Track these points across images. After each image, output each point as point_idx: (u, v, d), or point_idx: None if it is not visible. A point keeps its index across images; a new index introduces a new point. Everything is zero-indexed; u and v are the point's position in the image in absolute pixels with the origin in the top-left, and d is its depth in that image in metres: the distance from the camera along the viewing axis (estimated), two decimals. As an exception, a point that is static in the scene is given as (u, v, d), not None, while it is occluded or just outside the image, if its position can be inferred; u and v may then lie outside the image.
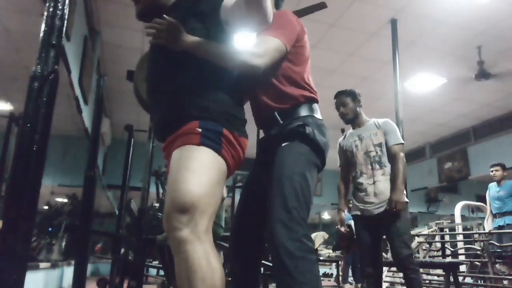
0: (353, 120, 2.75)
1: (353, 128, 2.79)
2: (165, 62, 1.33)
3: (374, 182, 2.57)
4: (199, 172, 1.17)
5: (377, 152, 2.61)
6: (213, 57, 1.28)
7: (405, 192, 2.55)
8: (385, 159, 2.60)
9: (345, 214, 2.86)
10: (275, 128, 1.45)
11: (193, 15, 1.32)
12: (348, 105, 2.72)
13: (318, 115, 1.49)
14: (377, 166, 2.59)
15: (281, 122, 1.44)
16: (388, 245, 2.67)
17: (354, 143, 2.71)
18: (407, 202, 2.52)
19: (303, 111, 1.45)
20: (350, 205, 2.92)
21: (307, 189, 1.33)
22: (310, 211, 1.33)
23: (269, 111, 1.46)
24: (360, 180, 2.63)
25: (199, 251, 1.09)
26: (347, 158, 2.77)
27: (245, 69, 1.32)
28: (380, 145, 2.61)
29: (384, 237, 2.66)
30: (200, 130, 1.22)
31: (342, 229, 2.81)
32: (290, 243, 1.20)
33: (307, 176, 1.35)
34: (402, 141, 2.64)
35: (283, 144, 1.39)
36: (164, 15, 1.24)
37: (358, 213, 2.64)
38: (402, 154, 2.57)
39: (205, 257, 1.09)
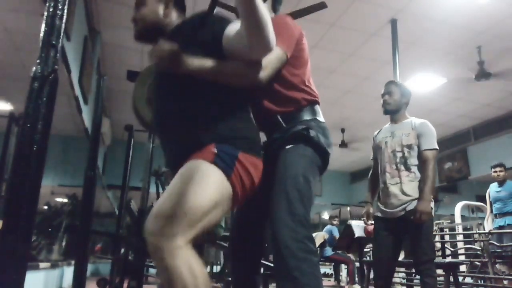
0: (393, 113, 2.63)
1: (390, 123, 2.68)
2: (172, 94, 1.31)
3: (397, 183, 2.46)
4: (200, 185, 1.15)
5: (404, 154, 2.48)
6: (215, 74, 1.25)
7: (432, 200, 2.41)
8: (413, 161, 2.46)
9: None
10: (278, 132, 1.45)
11: (193, 43, 1.29)
12: (393, 96, 2.60)
13: (320, 117, 1.50)
14: (403, 167, 2.47)
15: (284, 125, 1.44)
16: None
17: (385, 139, 2.60)
18: (432, 210, 2.39)
19: (306, 115, 1.46)
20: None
21: (310, 191, 1.34)
22: (311, 211, 1.34)
23: (272, 115, 1.46)
24: (383, 178, 2.54)
25: (178, 260, 1.05)
26: (377, 153, 2.67)
27: (248, 83, 1.32)
28: (409, 146, 2.48)
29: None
30: (215, 150, 1.21)
31: (369, 222, 2.70)
32: (294, 244, 1.20)
33: (310, 178, 1.36)
34: (437, 147, 2.48)
35: (287, 147, 1.40)
36: (162, 40, 1.22)
37: (379, 214, 2.54)
38: (434, 161, 2.41)
39: (186, 265, 1.06)
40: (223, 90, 1.29)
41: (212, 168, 1.19)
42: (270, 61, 1.32)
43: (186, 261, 1.06)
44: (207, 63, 1.24)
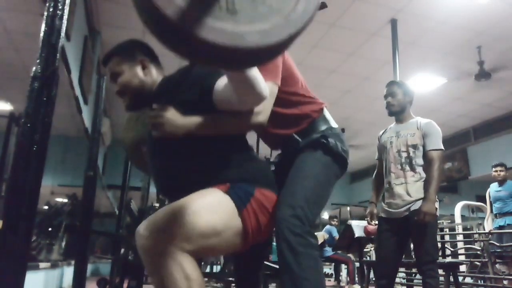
0: (398, 114, 2.61)
1: (396, 123, 2.66)
2: (172, 154, 1.26)
3: (402, 183, 2.45)
4: (204, 207, 1.12)
5: (409, 154, 2.45)
6: (213, 130, 1.23)
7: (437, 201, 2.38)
8: (418, 161, 2.44)
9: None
10: (295, 145, 1.44)
11: (179, 102, 1.24)
12: (396, 96, 2.58)
13: (334, 124, 1.48)
14: (408, 168, 2.45)
15: (301, 140, 1.43)
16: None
17: (390, 139, 2.58)
18: (436, 210, 2.36)
19: (322, 125, 1.44)
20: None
21: (319, 194, 1.33)
22: (318, 215, 1.33)
23: (287, 136, 1.45)
24: (388, 178, 2.52)
25: (170, 263, 1.04)
26: (382, 153, 2.65)
27: (251, 129, 1.32)
28: (415, 146, 2.45)
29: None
30: (229, 184, 1.19)
31: (373, 223, 2.68)
32: (293, 238, 1.19)
33: (322, 182, 1.35)
34: (442, 147, 2.44)
35: (303, 152, 1.39)
36: (154, 105, 1.19)
37: (383, 215, 2.52)
38: (439, 162, 2.38)
39: (180, 270, 1.04)
40: (224, 139, 1.26)
41: (225, 197, 1.16)
42: (265, 102, 1.28)
43: (179, 264, 1.04)
44: (202, 120, 1.21)
